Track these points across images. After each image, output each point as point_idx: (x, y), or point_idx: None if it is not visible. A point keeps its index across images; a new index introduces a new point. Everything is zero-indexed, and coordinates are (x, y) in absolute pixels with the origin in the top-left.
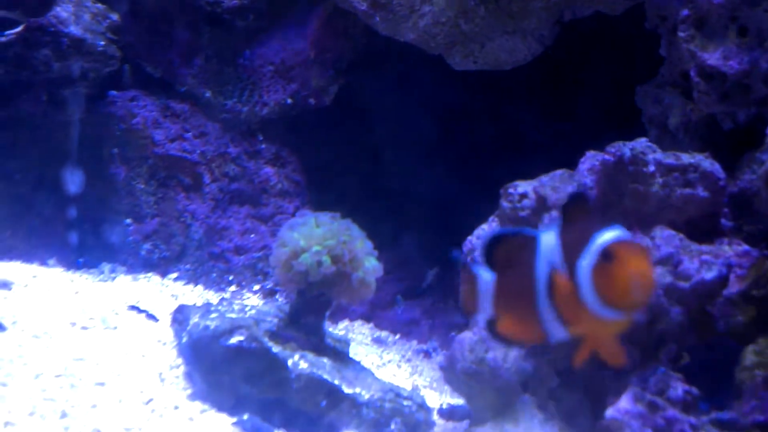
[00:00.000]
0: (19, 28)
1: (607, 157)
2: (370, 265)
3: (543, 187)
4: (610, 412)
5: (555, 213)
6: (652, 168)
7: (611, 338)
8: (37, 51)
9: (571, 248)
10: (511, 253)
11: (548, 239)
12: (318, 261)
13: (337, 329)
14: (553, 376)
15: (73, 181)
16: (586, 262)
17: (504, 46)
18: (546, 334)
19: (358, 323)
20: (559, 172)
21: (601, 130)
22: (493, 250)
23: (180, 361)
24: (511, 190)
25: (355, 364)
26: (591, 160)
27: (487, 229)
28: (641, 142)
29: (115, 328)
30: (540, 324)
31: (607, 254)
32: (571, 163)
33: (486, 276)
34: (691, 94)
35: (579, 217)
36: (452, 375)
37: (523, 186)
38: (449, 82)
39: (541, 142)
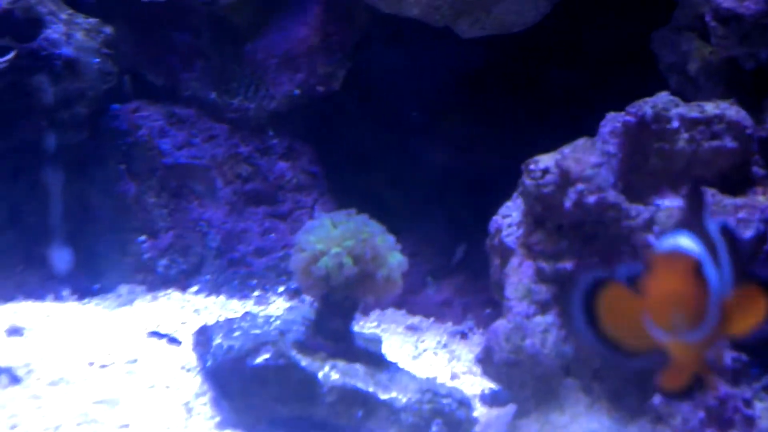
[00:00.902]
0: (11, 56)
1: (628, 118)
2: (395, 260)
3: (565, 159)
4: (658, 398)
5: (580, 186)
6: (676, 124)
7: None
8: (31, 77)
9: None
10: None
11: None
12: (339, 263)
13: (369, 321)
14: (595, 358)
15: (80, 204)
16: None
17: (511, 9)
18: None
19: (389, 311)
20: (580, 141)
21: (619, 81)
22: None
23: (206, 387)
24: (532, 166)
25: (389, 365)
26: (612, 122)
27: (511, 206)
28: (662, 97)
29: (136, 361)
30: None
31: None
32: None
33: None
34: (708, 38)
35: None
36: (490, 367)
37: (545, 160)
38: (460, 53)
39: (562, 103)
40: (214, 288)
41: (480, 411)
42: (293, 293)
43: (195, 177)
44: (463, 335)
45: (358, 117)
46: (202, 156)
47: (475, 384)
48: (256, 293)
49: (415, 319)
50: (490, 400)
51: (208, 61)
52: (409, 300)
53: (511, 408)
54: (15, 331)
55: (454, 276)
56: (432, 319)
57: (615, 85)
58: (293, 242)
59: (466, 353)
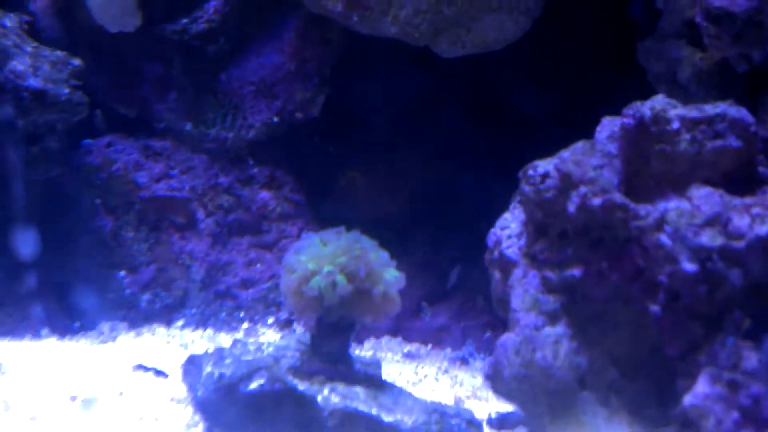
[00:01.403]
0: None
1: (626, 120)
2: (391, 276)
3: (565, 163)
4: (688, 399)
5: (583, 189)
6: (676, 125)
7: None
8: None
9: None
10: None
11: None
12: (332, 282)
13: (364, 350)
14: (610, 368)
15: (57, 241)
16: None
17: (491, 25)
18: None
19: (385, 339)
20: (579, 144)
21: (605, 95)
22: None
23: (198, 417)
24: (531, 172)
25: (392, 388)
26: (609, 126)
27: (509, 217)
28: (659, 99)
29: (121, 394)
30: None
31: None
32: (581, 135)
33: None
34: (698, 44)
35: None
36: (500, 383)
37: (543, 165)
38: (438, 73)
39: (546, 119)
40: (200, 321)
41: None
42: (284, 324)
43: (175, 209)
44: (464, 361)
45: (340, 142)
46: (181, 188)
47: (481, 409)
48: (245, 326)
49: (412, 347)
50: (498, 424)
51: (182, 92)
52: (404, 326)
53: (521, 431)
54: None
55: (450, 300)
56: (430, 345)
57: (599, 101)
58: (280, 272)
59: (469, 378)
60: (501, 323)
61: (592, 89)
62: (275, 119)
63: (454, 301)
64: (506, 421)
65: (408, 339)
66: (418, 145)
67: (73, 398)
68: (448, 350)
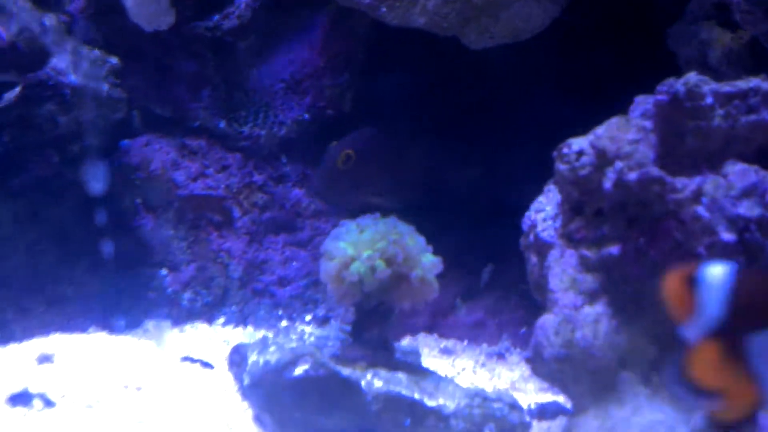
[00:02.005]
0: (17, 90)
1: (660, 97)
2: (428, 261)
3: (599, 139)
4: None
5: (619, 164)
6: (710, 100)
7: None
8: (40, 107)
9: None
10: None
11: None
12: (371, 267)
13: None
14: (651, 346)
15: (100, 240)
16: None
17: (519, 14)
18: None
19: (421, 336)
20: (614, 120)
21: (632, 83)
22: None
23: (246, 404)
24: (565, 150)
25: (432, 374)
26: (642, 104)
27: (544, 200)
28: (692, 76)
29: (172, 382)
30: None
31: None
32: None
33: None
34: (728, 25)
35: None
36: (541, 365)
37: (578, 142)
38: (466, 64)
39: (575, 111)
40: (240, 319)
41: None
42: (321, 321)
43: (212, 208)
44: (500, 356)
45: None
46: (216, 186)
47: (520, 400)
48: (283, 323)
49: (449, 342)
50: (538, 414)
51: (215, 89)
52: (439, 323)
53: (561, 420)
54: (45, 359)
55: (485, 297)
56: (466, 341)
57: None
58: (316, 270)
59: (506, 372)
60: (537, 316)
61: (620, 77)
62: (306, 116)
63: (488, 298)
64: (546, 410)
65: (444, 335)
66: (447, 141)
67: (126, 386)
68: (484, 346)
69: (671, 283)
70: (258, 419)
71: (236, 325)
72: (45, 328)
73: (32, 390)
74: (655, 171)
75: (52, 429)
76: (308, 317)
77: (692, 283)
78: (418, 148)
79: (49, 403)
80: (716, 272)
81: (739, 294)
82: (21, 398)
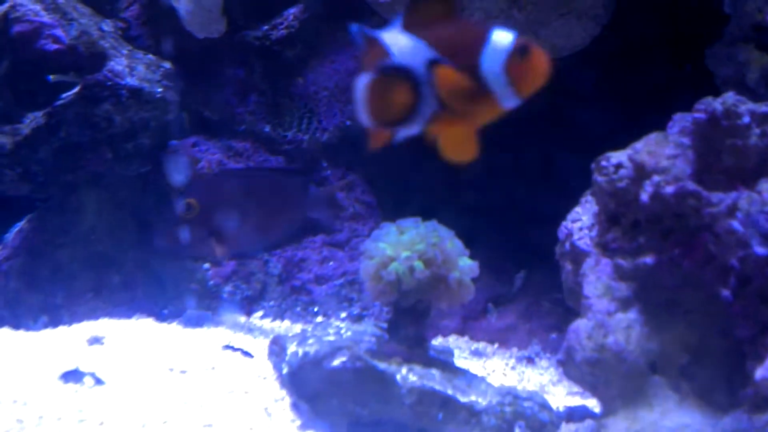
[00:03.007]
0: (76, 89)
1: (697, 115)
2: (465, 264)
3: (638, 153)
4: (760, 373)
5: (656, 178)
6: (747, 119)
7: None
8: (97, 107)
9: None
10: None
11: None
12: (410, 267)
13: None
14: (682, 353)
15: (148, 234)
16: (497, 57)
17: (559, 31)
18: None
19: (452, 338)
20: (652, 135)
21: (670, 101)
22: None
23: (284, 392)
24: (604, 163)
25: (465, 373)
26: (680, 122)
27: (581, 210)
28: (730, 96)
29: (214, 368)
30: None
31: (522, 50)
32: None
33: None
34: (766, 47)
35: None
36: (572, 368)
37: (617, 156)
38: None
39: (610, 124)
40: (278, 314)
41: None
42: (356, 318)
43: None
44: (530, 360)
45: (408, 144)
46: None
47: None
48: (318, 319)
49: (479, 345)
50: (566, 416)
51: (261, 95)
52: (471, 326)
53: (589, 423)
54: (95, 340)
55: (516, 303)
56: (496, 344)
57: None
58: (352, 270)
59: (536, 375)
60: (568, 322)
61: (657, 95)
62: (348, 122)
63: (519, 303)
64: (574, 413)
65: (474, 338)
66: (482, 150)
67: (171, 369)
68: (515, 349)
69: None
70: (295, 407)
71: (273, 319)
72: (92, 314)
73: (83, 369)
74: (691, 185)
75: (102, 405)
76: (343, 314)
77: None
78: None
79: (99, 381)
80: None
81: None
82: (73, 375)
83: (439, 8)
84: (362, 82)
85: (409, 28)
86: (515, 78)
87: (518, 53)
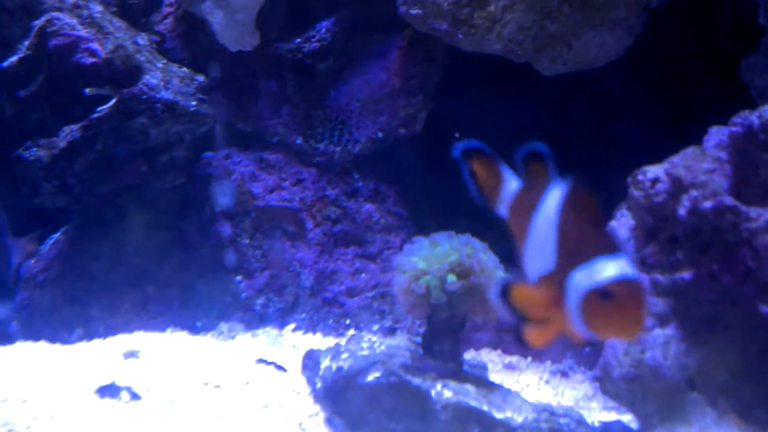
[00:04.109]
0: (112, 102)
1: (734, 129)
2: (501, 276)
3: (675, 167)
4: None
5: (694, 192)
6: None
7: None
8: (133, 120)
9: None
10: None
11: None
12: (441, 279)
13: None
14: (720, 369)
15: (181, 246)
16: (575, 294)
17: (592, 42)
18: None
19: (484, 351)
20: (689, 150)
21: (704, 113)
22: None
23: (317, 407)
24: (640, 177)
25: (500, 388)
26: (717, 135)
27: (616, 224)
28: (767, 109)
29: (248, 383)
30: None
31: (605, 293)
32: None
33: None
34: None
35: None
36: (609, 384)
37: (653, 170)
38: (538, 90)
39: (643, 137)
40: (310, 326)
41: None
42: (388, 331)
43: (286, 219)
44: (564, 374)
45: (441, 158)
46: (291, 199)
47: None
48: (350, 332)
49: (513, 358)
50: None
51: (294, 108)
52: (504, 339)
53: None
54: (131, 354)
55: None
56: (529, 358)
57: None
58: (384, 282)
59: (570, 390)
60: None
61: (691, 107)
62: (380, 134)
63: None
64: (610, 429)
65: (507, 351)
66: (516, 162)
67: (206, 384)
68: (548, 363)
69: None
70: (329, 422)
71: (306, 332)
72: (127, 326)
73: (119, 383)
74: (729, 200)
75: (139, 420)
76: (375, 327)
77: None
78: None
79: (135, 396)
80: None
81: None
82: (109, 390)
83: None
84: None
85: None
86: (589, 319)
87: (600, 295)
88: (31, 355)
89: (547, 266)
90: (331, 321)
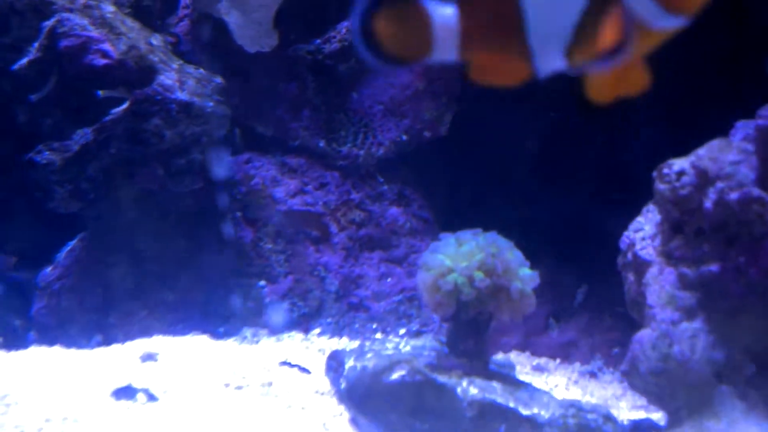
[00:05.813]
0: (125, 105)
1: (761, 122)
2: (526, 274)
3: (701, 160)
4: None
5: (720, 184)
6: None
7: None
8: (147, 122)
9: None
10: None
11: None
12: (469, 276)
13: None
14: (748, 363)
15: (202, 251)
16: None
17: None
18: (533, 69)
19: (513, 354)
20: (715, 142)
21: (731, 110)
22: None
23: (342, 408)
24: (666, 170)
25: (527, 386)
26: (743, 129)
27: (642, 220)
28: None
29: (270, 384)
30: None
31: None
32: None
33: (444, 10)
34: None
35: None
36: (637, 378)
37: (679, 163)
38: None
39: (670, 132)
40: (336, 331)
41: None
42: (415, 335)
43: (310, 223)
44: (593, 375)
45: (467, 161)
46: (315, 203)
47: None
48: (377, 336)
49: (541, 360)
50: (631, 430)
51: (315, 110)
52: (532, 342)
53: None
54: (149, 357)
55: (578, 317)
56: (558, 360)
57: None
58: (410, 286)
59: (599, 390)
60: (631, 336)
61: (719, 104)
62: (404, 137)
63: (581, 318)
64: (639, 427)
65: (536, 353)
66: (541, 163)
67: (227, 385)
68: (577, 364)
69: None
70: (354, 421)
71: (331, 336)
72: (146, 333)
73: (136, 385)
74: (756, 191)
75: (155, 422)
76: (402, 331)
77: None
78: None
79: (152, 398)
80: None
81: None
82: (125, 392)
83: None
84: None
85: None
86: None
87: None
88: (45, 359)
89: None
90: (357, 325)
